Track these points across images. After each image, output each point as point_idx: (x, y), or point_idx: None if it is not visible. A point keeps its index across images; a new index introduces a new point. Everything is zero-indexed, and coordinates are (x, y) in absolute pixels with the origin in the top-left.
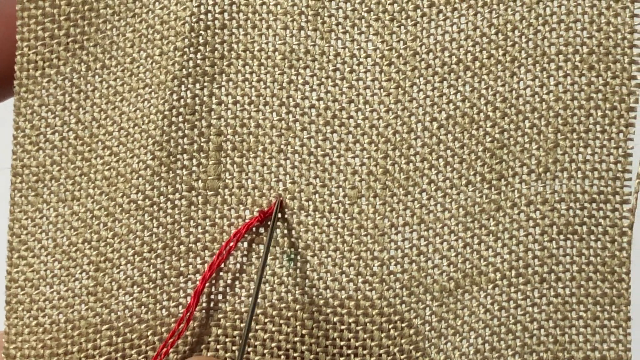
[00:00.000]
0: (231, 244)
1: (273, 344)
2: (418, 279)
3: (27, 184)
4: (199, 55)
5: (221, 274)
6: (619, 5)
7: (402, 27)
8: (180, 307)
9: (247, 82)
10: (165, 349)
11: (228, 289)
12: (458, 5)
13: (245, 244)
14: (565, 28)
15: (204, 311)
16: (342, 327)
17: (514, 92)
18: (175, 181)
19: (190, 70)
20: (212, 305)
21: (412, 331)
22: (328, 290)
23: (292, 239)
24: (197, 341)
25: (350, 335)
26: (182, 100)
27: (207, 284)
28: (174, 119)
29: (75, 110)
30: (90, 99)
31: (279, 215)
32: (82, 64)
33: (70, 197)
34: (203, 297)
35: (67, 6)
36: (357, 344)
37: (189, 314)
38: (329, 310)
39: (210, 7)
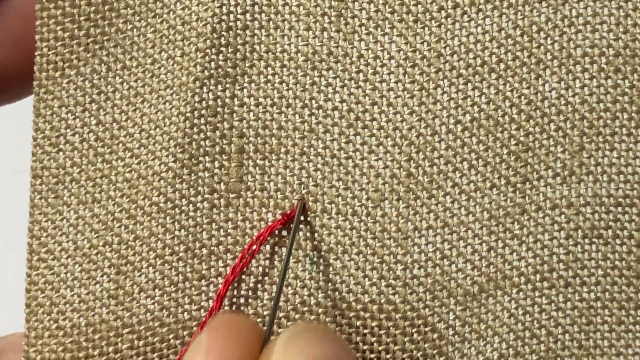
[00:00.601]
0: (254, 247)
1: None
2: (441, 282)
3: (47, 185)
4: (220, 57)
5: (243, 277)
6: None
7: (426, 28)
8: (203, 310)
9: (269, 84)
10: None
11: (250, 293)
12: (483, 6)
13: (268, 247)
14: (592, 30)
15: (226, 314)
16: (365, 330)
17: (539, 94)
18: (197, 183)
19: (212, 71)
20: (234, 308)
21: (435, 335)
22: (351, 294)
23: (315, 242)
24: None
25: (374, 339)
26: (203, 102)
27: (229, 288)
28: (195, 120)
29: (96, 112)
30: (110, 100)
31: (302, 218)
32: (103, 64)
33: (91, 199)
34: (225, 300)
35: (87, 6)
36: (380, 348)
37: (211, 317)
38: (351, 314)
39: (232, 8)
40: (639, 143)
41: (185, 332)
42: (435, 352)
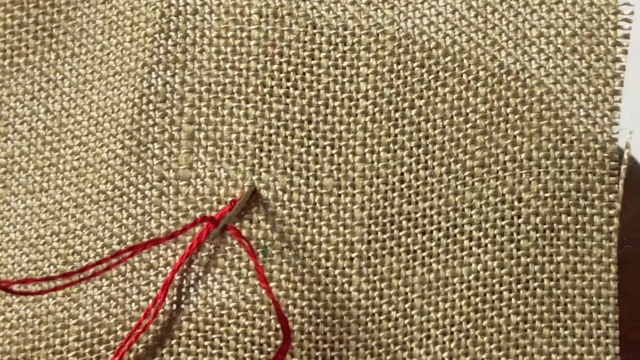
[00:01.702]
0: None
1: (246, 339)
2: (397, 270)
3: None
4: (169, 42)
5: (193, 266)
6: None
7: (379, 10)
8: (151, 300)
9: (219, 69)
10: (129, 341)
11: (200, 282)
12: None
13: (218, 236)
14: (547, 10)
15: (174, 305)
16: (318, 320)
17: (494, 76)
18: (145, 171)
19: (161, 57)
20: (183, 298)
21: (390, 324)
22: (303, 283)
23: (267, 230)
24: (168, 335)
25: (327, 329)
26: (152, 88)
27: (177, 277)
28: (144, 107)
29: (44, 100)
30: (59, 88)
31: (254, 206)
32: (52, 52)
33: (39, 188)
34: (174, 290)
35: None
36: (333, 338)
37: (155, 305)
38: (304, 303)
39: None
40: (597, 125)
41: (133, 323)
42: (390, 341)
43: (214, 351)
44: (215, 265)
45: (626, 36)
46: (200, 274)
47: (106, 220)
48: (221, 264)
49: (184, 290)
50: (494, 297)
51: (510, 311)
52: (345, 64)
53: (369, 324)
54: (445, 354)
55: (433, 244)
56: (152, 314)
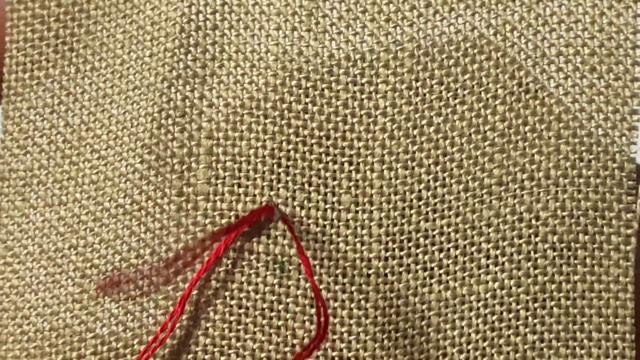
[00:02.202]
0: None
1: (263, 355)
2: (414, 287)
3: (14, 188)
4: (189, 57)
5: (210, 281)
6: (621, 5)
7: (398, 27)
8: (168, 315)
9: (238, 84)
10: (146, 354)
11: (217, 297)
12: (455, 5)
13: (235, 252)
14: (566, 29)
15: (191, 320)
16: (335, 337)
17: (513, 94)
18: (164, 185)
19: (180, 71)
20: (200, 314)
21: (406, 342)
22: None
23: (284, 246)
24: (184, 350)
25: (343, 345)
26: (171, 103)
27: (195, 292)
28: (163, 121)
29: (64, 113)
30: (79, 101)
31: (271, 222)
32: (72, 66)
33: (58, 201)
34: (192, 305)
35: (56, 7)
36: (349, 355)
37: (172, 319)
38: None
39: (201, 8)
40: (615, 144)
41: (149, 337)
42: (406, 358)
43: None
44: (232, 280)
45: None
46: (218, 288)
47: (124, 234)
48: (238, 279)
49: (201, 304)
50: (510, 315)
51: (527, 330)
52: (364, 80)
53: (385, 341)
54: None
55: (450, 261)
56: (169, 327)
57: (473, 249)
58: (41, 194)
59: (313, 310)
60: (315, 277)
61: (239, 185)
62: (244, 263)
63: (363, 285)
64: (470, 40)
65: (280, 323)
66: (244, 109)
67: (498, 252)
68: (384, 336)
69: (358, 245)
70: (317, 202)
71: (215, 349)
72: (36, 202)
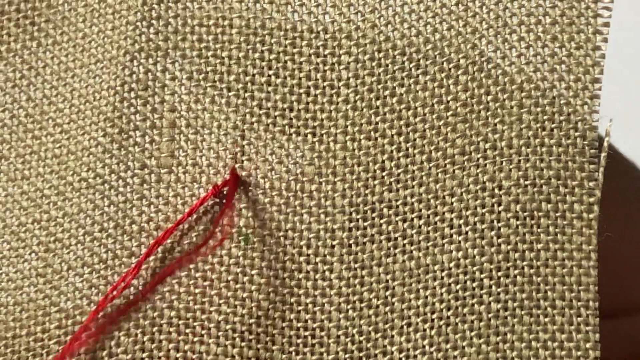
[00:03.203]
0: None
1: (228, 326)
2: (377, 257)
3: None
4: (151, 30)
5: (175, 254)
6: None
7: None
8: (132, 288)
9: (201, 57)
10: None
11: (181, 270)
12: None
13: (201, 226)
14: None
15: (156, 293)
16: (299, 307)
17: (475, 64)
18: (127, 158)
19: (142, 44)
20: (164, 287)
21: (371, 312)
22: (285, 271)
23: (248, 218)
24: (150, 323)
25: (308, 316)
26: (134, 76)
27: (159, 264)
28: (125, 94)
29: (26, 88)
30: (41, 75)
31: (235, 195)
32: (33, 40)
33: (20, 176)
34: (155, 277)
35: None
36: (314, 325)
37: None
38: (285, 291)
39: None
40: (577, 112)
41: (114, 311)
42: (371, 328)
43: (196, 339)
44: (197, 253)
45: (606, 24)
46: (182, 261)
47: (88, 207)
48: (202, 251)
49: (167, 279)
50: (474, 284)
51: (491, 299)
52: (326, 52)
53: (350, 312)
54: (425, 341)
55: (414, 231)
56: (121, 287)
57: (437, 218)
58: (4, 169)
59: (278, 282)
60: (280, 249)
61: (203, 158)
62: (207, 234)
63: (327, 256)
64: (432, 10)
65: (245, 295)
66: (207, 81)
67: (461, 221)
68: (348, 307)
69: (322, 216)
70: (281, 173)
71: (181, 322)
72: None
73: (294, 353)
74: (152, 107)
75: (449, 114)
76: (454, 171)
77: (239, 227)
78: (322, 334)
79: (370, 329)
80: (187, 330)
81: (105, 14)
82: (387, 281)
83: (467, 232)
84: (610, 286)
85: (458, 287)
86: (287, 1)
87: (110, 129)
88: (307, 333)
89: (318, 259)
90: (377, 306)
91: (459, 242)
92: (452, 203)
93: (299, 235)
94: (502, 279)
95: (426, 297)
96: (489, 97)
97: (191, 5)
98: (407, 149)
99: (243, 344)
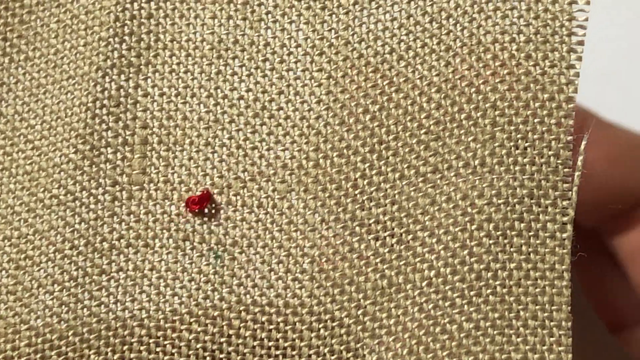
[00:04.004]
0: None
1: (198, 345)
2: (350, 276)
3: None
4: (124, 46)
5: (145, 271)
6: None
7: (334, 15)
8: (103, 306)
9: (174, 74)
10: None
11: (152, 288)
12: None
13: (171, 241)
14: (502, 15)
15: (126, 311)
16: (271, 326)
17: (448, 82)
18: (98, 175)
19: (115, 61)
20: (135, 305)
21: (343, 331)
22: (256, 289)
23: (220, 235)
24: (120, 342)
25: (279, 335)
26: (106, 92)
27: (130, 282)
28: (97, 111)
29: None
30: (12, 91)
31: (206, 210)
32: (5, 55)
33: None
34: (126, 296)
35: None
36: (285, 345)
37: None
38: (256, 309)
39: None
40: (551, 131)
41: (84, 329)
42: (342, 348)
43: (166, 357)
44: (168, 270)
45: (580, 43)
46: (153, 279)
47: (59, 225)
48: (174, 269)
49: (136, 295)
50: (446, 303)
51: (463, 318)
52: (299, 68)
53: (322, 331)
54: None
55: (386, 250)
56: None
57: (409, 237)
58: None
59: (250, 300)
60: (251, 267)
61: (175, 175)
62: (179, 253)
63: (298, 274)
64: (405, 27)
65: (216, 313)
66: (179, 98)
67: (434, 240)
68: (320, 326)
69: (294, 234)
70: (253, 190)
71: (151, 340)
72: None
73: None
74: (124, 124)
75: (422, 131)
76: (426, 189)
77: (209, 245)
78: (294, 353)
79: (342, 348)
80: (158, 349)
81: (78, 29)
82: (358, 300)
83: (439, 251)
84: None
85: (430, 306)
86: (260, 18)
87: (81, 146)
88: (278, 352)
89: (290, 277)
90: (349, 325)
91: (432, 260)
92: (424, 221)
93: (270, 253)
94: (474, 298)
95: (398, 316)
96: (462, 115)
97: (164, 21)
98: (379, 166)
99: None
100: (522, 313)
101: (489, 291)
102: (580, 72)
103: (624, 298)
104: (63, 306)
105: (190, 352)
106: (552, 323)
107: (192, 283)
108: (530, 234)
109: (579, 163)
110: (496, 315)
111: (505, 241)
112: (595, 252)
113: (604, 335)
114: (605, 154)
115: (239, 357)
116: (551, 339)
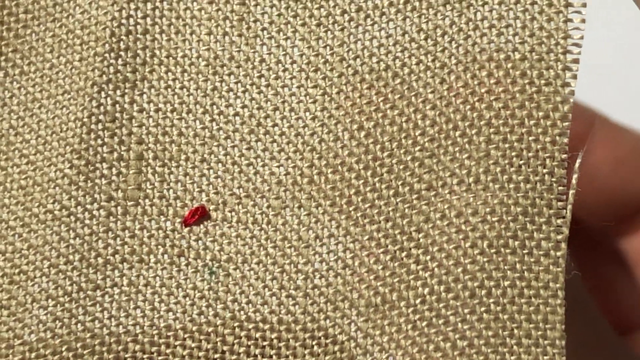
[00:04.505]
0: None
1: None
2: (343, 293)
3: None
4: (119, 61)
5: (140, 287)
6: (552, 10)
7: (329, 32)
8: (97, 321)
9: (169, 89)
10: None
11: (147, 304)
12: (386, 9)
13: (166, 257)
14: (497, 33)
15: (120, 326)
16: (264, 343)
17: (443, 99)
18: (93, 191)
19: (110, 76)
20: (130, 320)
21: (336, 347)
22: (250, 305)
23: (215, 251)
24: (114, 357)
25: (273, 351)
26: (101, 107)
27: (125, 298)
28: (92, 126)
29: None
30: (7, 106)
31: (200, 226)
32: (0, 70)
33: None
34: (120, 312)
35: None
36: None
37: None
38: (250, 326)
39: (132, 12)
40: (546, 150)
41: (78, 344)
42: None
43: None
44: (162, 285)
45: (576, 61)
46: (148, 294)
47: (53, 240)
48: (168, 284)
49: (130, 311)
50: (440, 321)
51: (457, 336)
52: (295, 84)
53: (315, 347)
54: None
55: (380, 267)
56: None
57: (403, 254)
58: None
59: (244, 316)
60: (246, 283)
61: (170, 190)
62: (174, 269)
63: (292, 291)
64: (400, 44)
65: (210, 329)
66: (175, 114)
67: (428, 257)
68: (313, 342)
69: (288, 250)
70: (248, 207)
71: (145, 356)
72: None
73: None
74: (119, 139)
75: (416, 148)
76: (420, 206)
77: (204, 261)
78: None
79: None
80: None
81: (73, 44)
82: (352, 317)
83: (433, 268)
84: None
85: (424, 324)
86: (255, 34)
87: (76, 161)
88: None
89: (284, 294)
90: (342, 342)
91: (425, 278)
92: (418, 239)
93: (265, 269)
94: (468, 316)
95: (391, 333)
96: (457, 133)
97: (159, 37)
98: (374, 183)
99: None
100: (515, 331)
101: (482, 309)
102: (584, 72)
103: (631, 300)
104: (57, 321)
105: None
106: (546, 342)
107: (187, 299)
108: (525, 251)
109: (574, 181)
110: (490, 333)
111: (500, 259)
112: (601, 253)
113: (611, 336)
114: (612, 154)
115: None
116: (545, 357)
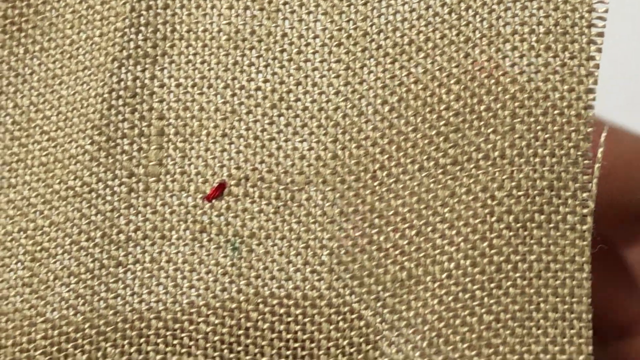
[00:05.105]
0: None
1: (216, 338)
2: (369, 268)
3: None
4: (140, 36)
5: (162, 263)
6: None
7: (352, 6)
8: (119, 298)
9: (190, 64)
10: None
11: (169, 280)
12: None
13: (188, 233)
14: (521, 7)
15: (143, 303)
16: (289, 319)
17: (467, 73)
18: (114, 167)
19: (131, 51)
20: (152, 297)
21: (362, 323)
22: (274, 281)
23: (237, 227)
24: (137, 334)
25: (297, 327)
26: (122, 83)
27: (147, 274)
28: (113, 102)
29: (13, 95)
30: (28, 82)
31: (222, 202)
32: (20, 46)
33: (7, 184)
34: (142, 288)
35: None
36: (304, 337)
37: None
38: (274, 302)
39: None
40: (571, 123)
41: (101, 322)
42: (361, 340)
43: (183, 350)
44: (185, 262)
45: (600, 34)
46: (170, 271)
47: (74, 216)
48: (191, 261)
49: (153, 287)
50: (466, 296)
51: (483, 310)
52: (317, 59)
53: (340, 323)
54: (417, 353)
55: (405, 242)
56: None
57: (429, 229)
58: None
59: (267, 292)
60: (269, 259)
61: (192, 166)
62: (196, 244)
63: (316, 267)
64: (424, 18)
65: (234, 306)
66: (196, 89)
67: (453, 232)
68: (338, 318)
69: (312, 225)
70: (271, 182)
71: (168, 333)
72: None
73: None
74: (140, 115)
75: (441, 123)
76: (446, 181)
77: (227, 236)
78: (312, 345)
79: (361, 340)
80: (175, 342)
81: (93, 20)
82: (377, 292)
83: (459, 243)
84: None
85: (450, 298)
86: (277, 8)
87: (97, 137)
88: (296, 345)
89: (308, 269)
90: (368, 317)
91: (451, 253)
92: (444, 214)
93: (288, 244)
94: (494, 290)
95: (417, 308)
96: (482, 107)
97: (180, 11)
98: (398, 158)
99: (231, 355)
100: (542, 305)
101: (509, 283)
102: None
103: (629, 305)
104: (79, 298)
105: (208, 345)
106: (572, 315)
107: (210, 275)
108: (550, 226)
109: (599, 154)
110: (516, 307)
111: (525, 233)
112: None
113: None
114: (618, 160)
115: (256, 350)
116: (571, 331)
